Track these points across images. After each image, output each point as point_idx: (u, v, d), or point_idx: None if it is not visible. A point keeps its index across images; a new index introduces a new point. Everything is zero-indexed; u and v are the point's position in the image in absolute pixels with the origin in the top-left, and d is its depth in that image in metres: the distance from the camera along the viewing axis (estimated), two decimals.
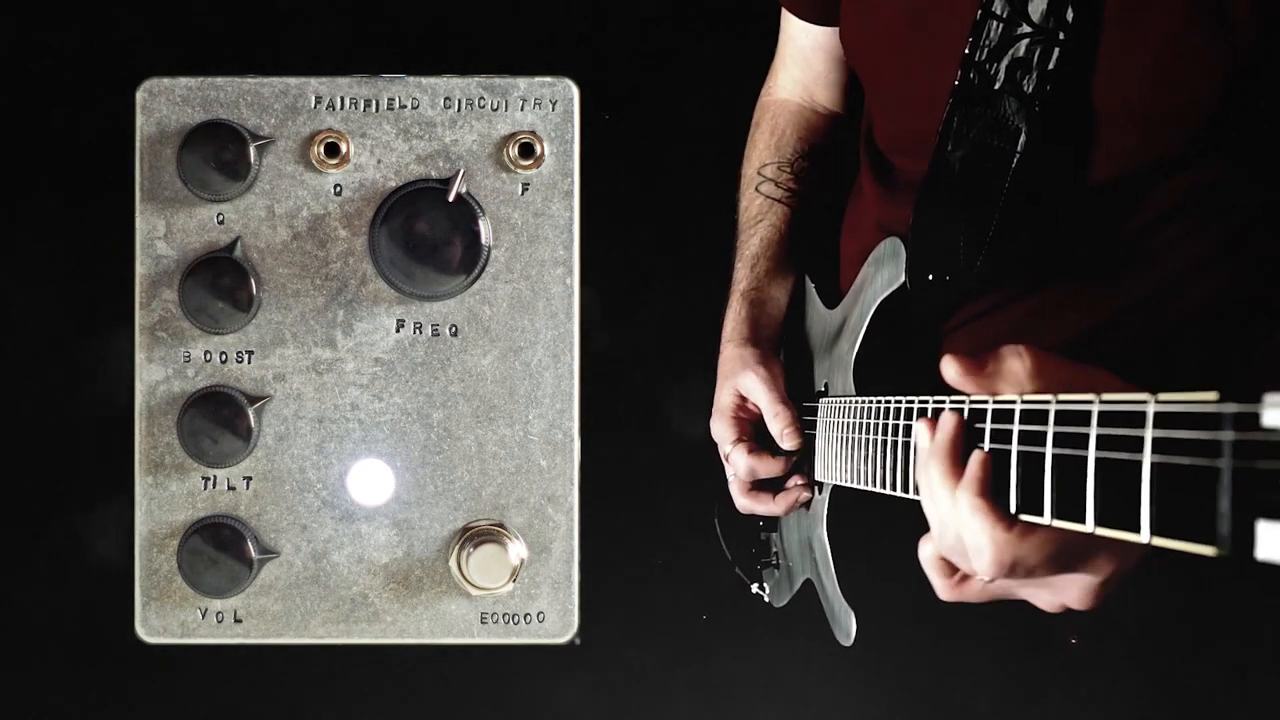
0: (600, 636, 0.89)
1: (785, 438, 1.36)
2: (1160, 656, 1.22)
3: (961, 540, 0.84)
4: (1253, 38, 1.04)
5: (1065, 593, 0.85)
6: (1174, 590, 1.12)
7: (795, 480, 1.41)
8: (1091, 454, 0.70)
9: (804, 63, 1.51)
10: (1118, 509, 0.68)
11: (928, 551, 0.93)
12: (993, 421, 0.83)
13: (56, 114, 1.54)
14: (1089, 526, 0.71)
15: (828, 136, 1.51)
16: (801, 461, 1.41)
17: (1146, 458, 0.65)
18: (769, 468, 1.38)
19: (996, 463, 0.82)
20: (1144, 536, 0.66)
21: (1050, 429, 0.75)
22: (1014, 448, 0.80)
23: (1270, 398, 0.57)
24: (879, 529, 1.21)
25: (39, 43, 1.55)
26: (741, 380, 1.39)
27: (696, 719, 1.73)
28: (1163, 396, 0.65)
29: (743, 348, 1.41)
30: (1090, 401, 0.71)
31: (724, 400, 1.41)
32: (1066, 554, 0.80)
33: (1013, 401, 0.81)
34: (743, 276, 1.47)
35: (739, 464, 1.38)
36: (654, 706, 1.74)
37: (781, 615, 1.50)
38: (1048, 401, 0.76)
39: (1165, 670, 1.22)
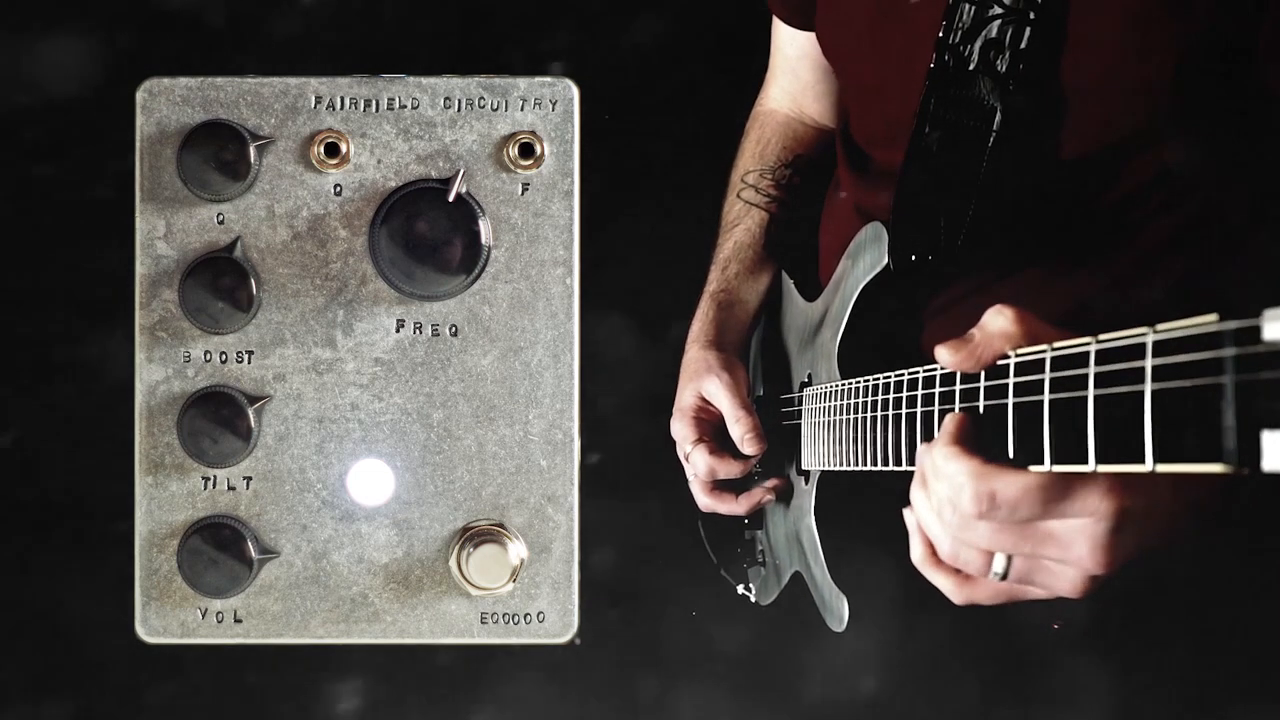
0: (600, 636, 0.89)
1: (746, 443, 1.38)
2: (1145, 640, 1.22)
3: (951, 505, 0.83)
4: (1208, 4, 1.05)
5: (1073, 549, 0.82)
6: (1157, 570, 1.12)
7: (767, 483, 1.42)
8: (1091, 393, 0.71)
9: (791, 73, 1.51)
10: (1120, 444, 0.68)
11: (919, 554, 0.93)
12: (987, 379, 0.84)
13: (56, 114, 1.54)
14: (1091, 465, 0.71)
15: (815, 149, 1.51)
16: (769, 464, 1.42)
17: (1148, 387, 0.66)
18: (729, 469, 1.40)
19: (993, 419, 0.82)
20: (1148, 465, 0.66)
21: (1047, 376, 0.75)
22: (1010, 400, 0.80)
23: (1270, 312, 0.57)
24: (866, 514, 1.22)
25: (38, 42, 1.55)
26: (705, 384, 1.41)
27: (694, 715, 1.73)
28: (1161, 326, 0.66)
29: (707, 350, 1.43)
30: (1087, 343, 0.72)
31: (685, 401, 1.43)
32: (1048, 486, 0.79)
33: (1007, 358, 0.81)
34: (714, 278, 1.49)
35: (699, 464, 1.41)
36: (653, 705, 1.74)
37: (774, 607, 1.50)
38: (1043, 351, 0.77)
39: (1152, 653, 1.23)
